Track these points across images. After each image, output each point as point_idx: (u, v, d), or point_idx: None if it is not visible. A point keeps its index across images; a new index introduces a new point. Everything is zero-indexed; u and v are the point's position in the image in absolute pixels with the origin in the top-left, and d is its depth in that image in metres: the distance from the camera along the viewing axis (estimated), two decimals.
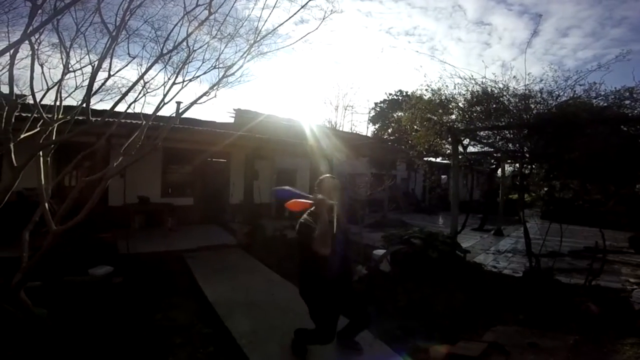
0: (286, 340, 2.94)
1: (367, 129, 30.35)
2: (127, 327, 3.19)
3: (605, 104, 4.55)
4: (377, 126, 28.55)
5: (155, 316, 3.46)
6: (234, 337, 3.05)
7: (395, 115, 23.92)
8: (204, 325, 3.33)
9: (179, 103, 7.53)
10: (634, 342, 2.91)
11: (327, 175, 2.65)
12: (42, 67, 3.57)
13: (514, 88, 5.12)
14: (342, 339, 2.83)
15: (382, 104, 29.14)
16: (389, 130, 24.51)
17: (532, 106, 5.04)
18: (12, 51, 2.67)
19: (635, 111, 4.39)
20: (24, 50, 3.22)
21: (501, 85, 5.18)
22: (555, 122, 4.73)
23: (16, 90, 3.04)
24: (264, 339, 3.04)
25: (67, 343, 2.78)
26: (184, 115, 4.59)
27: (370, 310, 3.50)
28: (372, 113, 29.79)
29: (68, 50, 3.50)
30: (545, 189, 6.39)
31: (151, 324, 3.30)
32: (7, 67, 2.91)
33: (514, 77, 5.14)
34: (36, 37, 3.21)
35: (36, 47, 3.21)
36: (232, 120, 12.06)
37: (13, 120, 3.00)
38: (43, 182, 3.31)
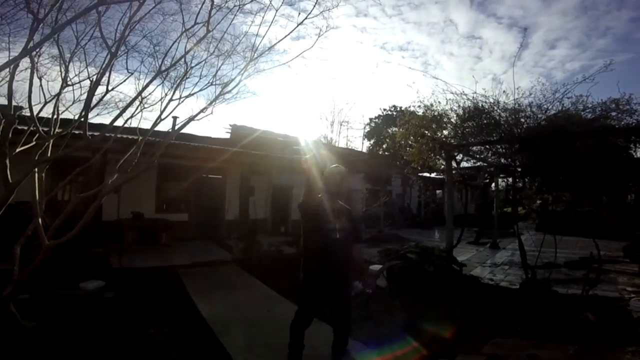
0: (281, 356, 2.88)
1: (362, 145, 30.61)
2: (119, 341, 3.10)
3: (593, 116, 4.65)
4: (372, 142, 28.81)
5: (148, 331, 3.36)
6: (228, 353, 2.98)
7: (389, 130, 24.22)
8: (198, 341, 3.25)
9: (175, 118, 7.56)
10: (634, 350, 2.89)
11: (337, 166, 2.75)
12: (40, 80, 3.61)
13: (504, 102, 5.23)
14: (336, 352, 2.79)
15: (376, 120, 29.54)
16: (384, 146, 24.74)
17: (522, 120, 5.14)
18: (12, 66, 2.71)
19: (622, 122, 4.50)
20: (23, 62, 3.26)
21: (492, 100, 5.29)
22: (545, 135, 4.83)
23: (13, 102, 3.06)
24: (259, 355, 2.98)
25: (55, 357, 2.70)
26: (180, 131, 4.63)
27: (368, 325, 3.49)
28: (367, 128, 30.13)
29: (67, 63, 3.55)
30: (539, 201, 6.46)
31: (144, 339, 3.21)
32: (4, 79, 2.94)
33: (504, 91, 5.26)
34: (36, 50, 3.25)
35: (36, 60, 3.25)
36: (228, 135, 12.13)
37: (10, 135, 3.02)
38: (37, 197, 3.29)
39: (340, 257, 2.56)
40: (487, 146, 6.22)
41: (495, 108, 5.30)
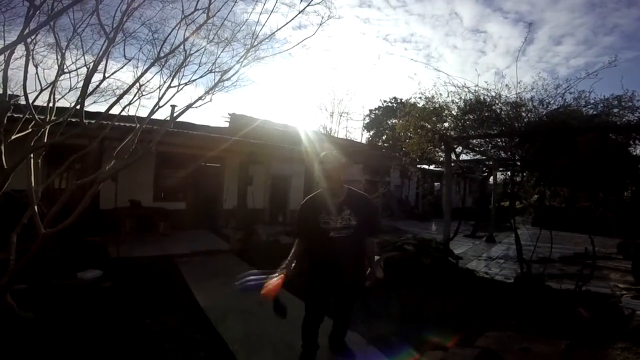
0: (279, 346, 2.91)
1: (361, 136, 30.51)
2: (116, 331, 3.12)
3: (595, 112, 4.63)
4: (371, 133, 28.73)
5: (145, 321, 3.38)
6: (225, 343, 3.01)
7: (389, 122, 24.15)
8: (195, 331, 3.28)
9: (173, 106, 7.49)
10: (624, 347, 2.94)
11: (328, 153, 2.42)
12: (36, 68, 3.54)
13: (506, 96, 5.20)
14: (333, 343, 2.81)
15: (377, 111, 29.39)
16: (384, 137, 24.69)
17: (524, 114, 5.12)
18: (7, 52, 2.64)
19: (624, 119, 4.49)
20: (19, 50, 3.19)
21: (493, 94, 5.26)
22: (546, 130, 4.81)
23: (8, 91, 3.01)
24: (256, 345, 3.01)
25: (53, 347, 2.72)
26: (178, 119, 4.58)
27: (364, 316, 3.52)
28: (367, 120, 30.01)
29: (64, 51, 3.48)
30: (536, 196, 6.48)
31: (141, 328, 3.23)
32: (1, 67, 2.87)
33: (506, 85, 5.23)
34: (32, 37, 3.19)
35: (31, 48, 3.18)
36: (226, 124, 12.04)
37: (5, 121, 2.97)
38: (33, 184, 3.26)
39: (345, 254, 2.33)
40: (487, 139, 6.20)
41: (497, 102, 5.28)
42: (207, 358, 2.84)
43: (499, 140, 5.93)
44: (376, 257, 5.41)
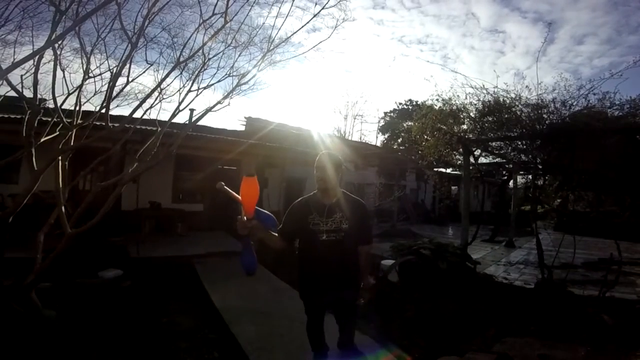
0: (292, 348, 2.92)
1: (376, 139, 30.41)
2: (134, 330, 3.20)
3: (620, 114, 4.47)
4: (386, 136, 28.57)
5: (161, 320, 3.46)
6: (239, 343, 3.02)
7: (405, 125, 23.92)
8: (209, 331, 3.33)
9: (192, 110, 7.67)
10: None
11: (325, 152, 2.33)
12: (63, 72, 3.69)
13: (527, 98, 5.07)
14: (343, 349, 2.74)
15: (392, 114, 29.24)
16: (399, 140, 24.48)
17: (545, 116, 4.98)
18: (37, 57, 2.78)
19: None
20: (47, 55, 3.34)
21: (513, 95, 5.14)
22: (569, 132, 4.66)
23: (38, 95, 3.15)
24: (269, 346, 3.02)
25: (74, 344, 2.81)
26: (197, 123, 4.70)
27: (378, 320, 3.49)
28: (382, 122, 29.90)
29: (88, 56, 3.63)
30: (559, 200, 6.27)
31: (157, 327, 3.31)
32: (29, 71, 3.02)
33: (527, 86, 5.10)
34: (59, 42, 3.33)
35: (58, 53, 3.33)
36: (242, 128, 12.24)
37: (35, 124, 3.12)
38: (60, 185, 3.39)
39: (335, 258, 2.16)
40: (507, 142, 6.06)
41: (517, 103, 5.15)
42: (220, 358, 2.88)
43: (520, 142, 5.79)
44: (391, 261, 5.40)
